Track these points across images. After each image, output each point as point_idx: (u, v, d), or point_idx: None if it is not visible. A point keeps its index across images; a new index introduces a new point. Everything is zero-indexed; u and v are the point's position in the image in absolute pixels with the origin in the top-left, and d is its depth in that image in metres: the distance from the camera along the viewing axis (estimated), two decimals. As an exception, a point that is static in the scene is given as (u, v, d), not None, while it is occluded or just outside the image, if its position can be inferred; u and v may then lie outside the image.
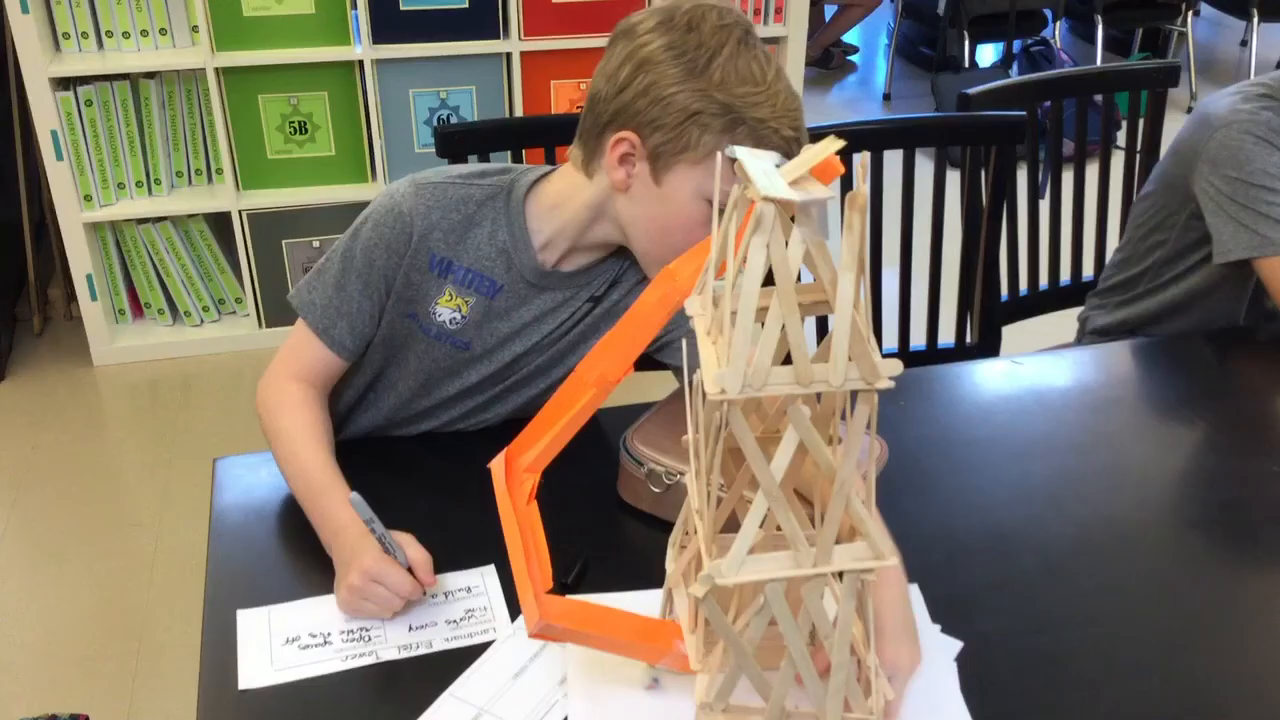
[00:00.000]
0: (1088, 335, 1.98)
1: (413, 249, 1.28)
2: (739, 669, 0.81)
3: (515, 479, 0.92)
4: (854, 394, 0.77)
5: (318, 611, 1.11)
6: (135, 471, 2.68)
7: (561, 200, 1.28)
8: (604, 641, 0.91)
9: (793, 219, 0.76)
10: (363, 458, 1.34)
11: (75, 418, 2.83)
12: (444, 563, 1.14)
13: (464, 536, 1.18)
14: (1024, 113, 1.87)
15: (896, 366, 0.76)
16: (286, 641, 1.08)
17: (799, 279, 0.79)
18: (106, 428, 2.85)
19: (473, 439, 1.40)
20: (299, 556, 1.18)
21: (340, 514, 1.14)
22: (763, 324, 0.75)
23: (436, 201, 1.28)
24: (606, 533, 1.24)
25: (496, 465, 0.93)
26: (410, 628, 1.09)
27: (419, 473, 1.34)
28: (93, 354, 2.99)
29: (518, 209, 1.29)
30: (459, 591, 1.14)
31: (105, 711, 2.04)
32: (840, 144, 0.78)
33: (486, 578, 1.15)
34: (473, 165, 1.39)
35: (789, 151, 1.13)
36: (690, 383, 0.87)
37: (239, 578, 1.17)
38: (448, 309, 1.31)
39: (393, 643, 1.08)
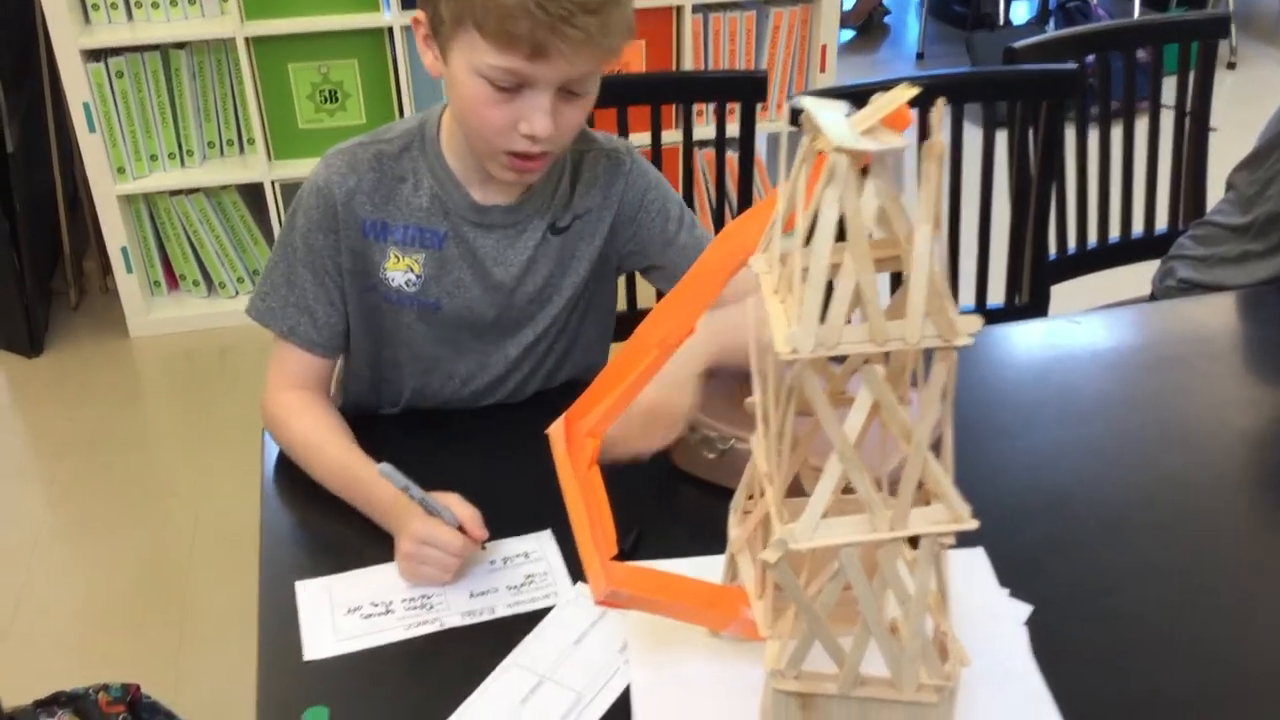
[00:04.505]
0: (1163, 289, 1.92)
1: (341, 220, 1.24)
2: (813, 636, 0.79)
3: (575, 444, 0.90)
4: (928, 353, 0.74)
5: (379, 580, 1.10)
6: (172, 443, 2.68)
7: (452, 123, 1.25)
8: (670, 608, 0.89)
9: (865, 171, 0.73)
10: (411, 428, 1.33)
11: (112, 390, 2.83)
12: (501, 529, 1.13)
13: (520, 502, 1.16)
14: (1075, 66, 1.82)
15: (976, 323, 0.73)
16: (349, 611, 1.07)
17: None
18: (143, 400, 2.85)
19: (523, 405, 1.38)
20: (355, 526, 1.16)
21: (380, 494, 1.13)
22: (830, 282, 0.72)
23: (349, 166, 1.25)
24: (660, 500, 1.22)
25: (555, 430, 0.91)
26: (471, 594, 1.08)
27: (469, 440, 1.32)
28: (129, 326, 2.99)
29: (434, 150, 1.26)
30: (517, 557, 1.12)
31: (153, 680, 2.03)
32: (914, 91, 0.75)
33: (544, 543, 1.14)
34: (386, 124, 1.33)
35: (536, 36, 1.07)
36: (756, 344, 0.84)
37: (294, 548, 1.16)
38: (398, 272, 1.28)
39: (455, 609, 1.07)
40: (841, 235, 0.74)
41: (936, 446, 0.78)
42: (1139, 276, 2.05)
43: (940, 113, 0.72)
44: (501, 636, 1.03)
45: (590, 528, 0.86)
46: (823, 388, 0.76)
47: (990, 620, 1.01)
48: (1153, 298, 1.97)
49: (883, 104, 0.75)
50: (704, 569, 1.05)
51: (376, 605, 1.07)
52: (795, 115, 1.72)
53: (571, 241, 1.32)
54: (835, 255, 0.73)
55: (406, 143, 1.26)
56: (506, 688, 0.98)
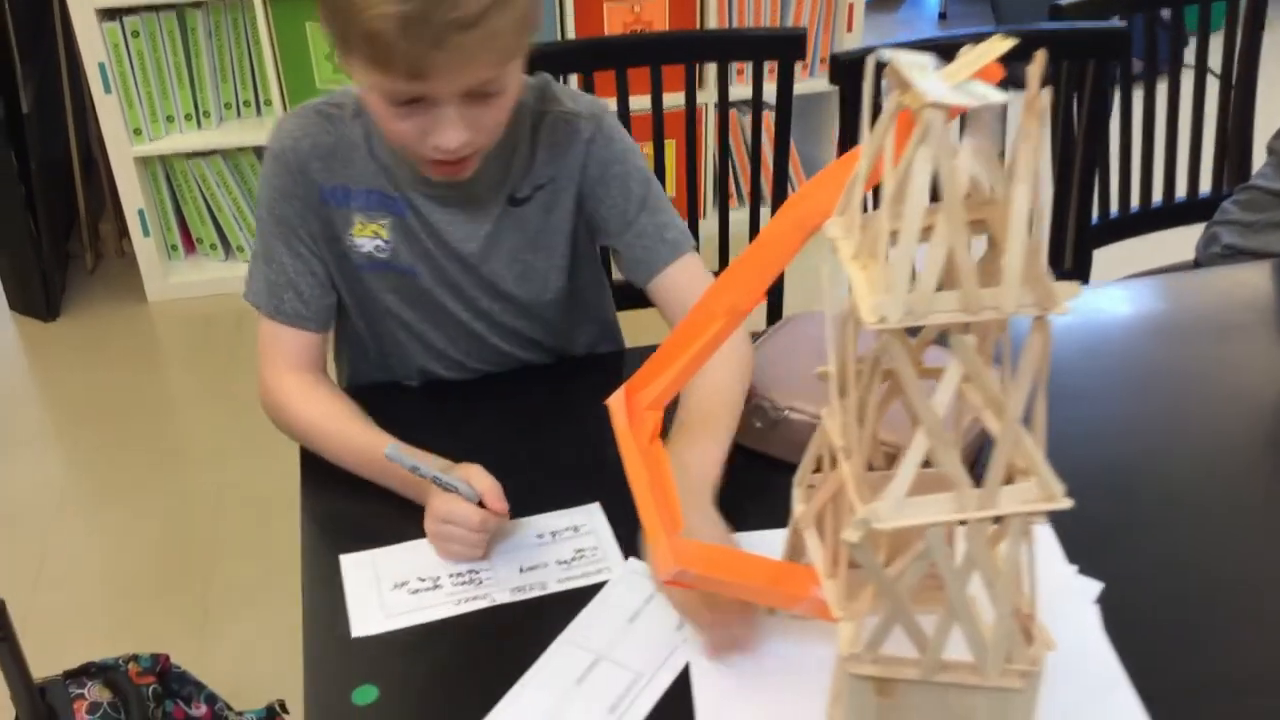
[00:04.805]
0: (1207, 255, 1.87)
1: (302, 185, 1.19)
2: (893, 618, 0.75)
3: (637, 417, 0.86)
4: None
5: (424, 554, 1.07)
6: (192, 407, 2.65)
7: None
8: (738, 588, 0.85)
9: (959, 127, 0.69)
10: (445, 400, 1.29)
11: (131, 355, 2.80)
12: (547, 502, 1.10)
13: (564, 475, 1.14)
14: (1124, 23, 1.76)
15: (1074, 289, 0.69)
16: (395, 586, 1.04)
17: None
18: (162, 365, 2.82)
19: (562, 369, 1.34)
20: (395, 499, 1.12)
21: (405, 471, 1.09)
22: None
23: (302, 130, 1.19)
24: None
25: (615, 402, 0.88)
26: (521, 569, 1.05)
27: (509, 411, 1.28)
28: (146, 290, 2.95)
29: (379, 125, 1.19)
30: (565, 531, 1.09)
31: (178, 649, 2.01)
32: (1010, 43, 0.70)
33: (593, 516, 1.10)
34: (343, 87, 1.24)
35: (412, 60, 0.99)
36: (831, 312, 0.80)
37: (336, 521, 1.12)
38: (366, 238, 1.22)
39: (505, 585, 1.04)
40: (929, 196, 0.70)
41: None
42: (1182, 241, 2.00)
43: (1041, 66, 0.67)
44: (554, 613, 1.00)
45: (655, 504, 0.82)
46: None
47: (1060, 598, 0.98)
48: (1197, 264, 1.92)
49: (974, 57, 0.70)
50: (755, 543, 1.02)
51: (424, 580, 1.04)
52: (836, 74, 1.67)
53: (536, 214, 1.23)
54: (926, 218, 0.68)
55: (358, 109, 1.19)
56: (561, 666, 0.95)
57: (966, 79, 0.69)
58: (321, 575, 1.05)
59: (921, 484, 0.74)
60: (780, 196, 1.82)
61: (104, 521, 2.32)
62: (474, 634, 0.99)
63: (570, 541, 1.08)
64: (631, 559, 1.05)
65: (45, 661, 1.48)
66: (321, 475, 1.17)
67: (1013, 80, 0.71)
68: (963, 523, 0.73)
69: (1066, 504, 0.73)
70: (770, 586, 0.85)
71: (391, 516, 1.11)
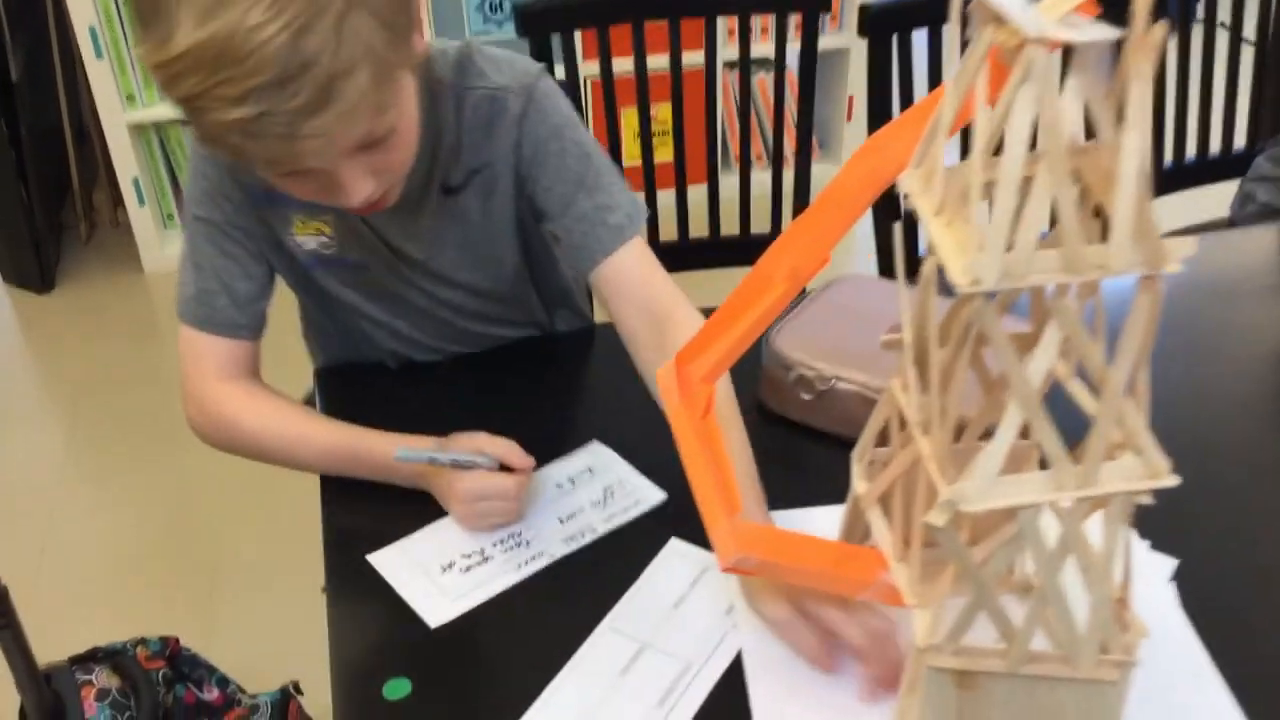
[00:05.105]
0: (1243, 214, 1.80)
1: (234, 184, 1.08)
2: (978, 607, 0.69)
3: (688, 391, 0.79)
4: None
5: (453, 530, 1.03)
6: (195, 382, 2.58)
7: None
8: (800, 574, 0.79)
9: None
10: (421, 382, 1.24)
11: (128, 326, 2.73)
12: (545, 455, 1.08)
13: (552, 424, 1.13)
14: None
15: (1188, 245, 0.62)
16: (444, 569, 0.99)
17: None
18: (161, 336, 2.75)
19: (538, 345, 1.29)
20: (396, 488, 1.07)
21: (380, 459, 1.04)
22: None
23: None
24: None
25: (665, 375, 0.81)
26: (560, 520, 1.03)
27: (488, 386, 1.23)
28: (143, 260, 2.88)
29: None
30: (582, 474, 1.08)
31: (186, 628, 1.96)
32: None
33: (599, 454, 1.10)
34: None
35: (269, 157, 0.87)
36: (908, 273, 0.74)
37: (351, 518, 1.06)
38: (309, 236, 1.12)
39: (553, 539, 1.01)
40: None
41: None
42: (1209, 200, 1.94)
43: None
44: (614, 554, 0.99)
45: (713, 485, 0.76)
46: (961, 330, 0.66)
47: (1135, 577, 0.92)
48: (1231, 223, 1.85)
49: (1070, -10, 0.63)
50: (798, 523, 0.96)
51: (470, 556, 1.00)
52: (865, 25, 1.60)
53: (474, 201, 1.11)
54: (993, 171, 0.62)
55: None
56: (604, 656, 0.89)
57: (1066, 13, 0.63)
58: (348, 574, 0.99)
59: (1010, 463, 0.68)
60: (805, 157, 1.75)
61: (107, 499, 2.26)
62: (507, 620, 0.94)
63: (592, 483, 1.07)
64: (674, 539, 0.99)
65: (51, 645, 1.42)
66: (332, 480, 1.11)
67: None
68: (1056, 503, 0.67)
69: (1173, 481, 0.67)
70: (834, 571, 0.79)
71: (404, 504, 1.05)
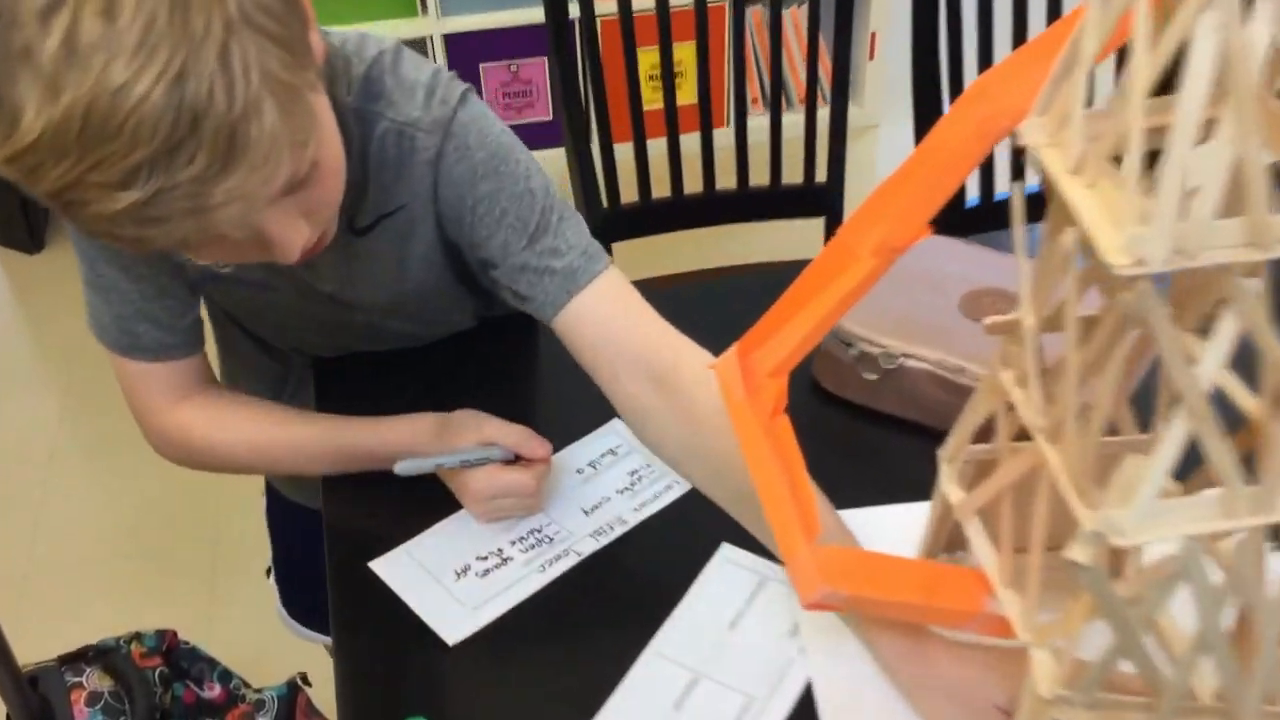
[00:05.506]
0: None
1: None
2: (1122, 653, 0.57)
3: (755, 386, 0.66)
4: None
5: (463, 528, 0.91)
6: (193, 346, 2.46)
7: None
8: (896, 607, 0.66)
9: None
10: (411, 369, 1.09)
11: (123, 289, 2.60)
12: (561, 438, 0.97)
13: (565, 403, 1.00)
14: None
15: None
16: (458, 575, 0.87)
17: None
18: (157, 298, 2.62)
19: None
20: (400, 483, 0.92)
21: (393, 444, 0.92)
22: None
23: None
24: (802, 430, 0.99)
25: (725, 366, 0.68)
26: (584, 511, 0.92)
27: (485, 365, 1.09)
28: (135, 218, 2.75)
29: None
30: (604, 458, 0.97)
31: (185, 611, 1.87)
32: None
33: (621, 433, 0.98)
34: None
35: (138, 236, 0.66)
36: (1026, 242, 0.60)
37: (352, 523, 0.93)
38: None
39: (580, 533, 0.90)
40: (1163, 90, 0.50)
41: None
42: None
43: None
44: (646, 549, 0.88)
45: (789, 502, 0.63)
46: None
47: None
48: None
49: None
50: (859, 525, 0.81)
51: (485, 558, 0.88)
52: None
53: (388, 243, 0.92)
54: (1102, 120, 0.48)
55: None
56: (652, 688, 0.77)
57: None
58: (353, 588, 0.87)
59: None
60: (813, 100, 1.60)
61: (102, 471, 2.15)
62: (571, 602, 0.84)
63: (616, 467, 0.96)
64: (725, 545, 0.87)
65: (45, 628, 1.32)
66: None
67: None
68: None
69: (1374, 507, 0.54)
70: (930, 602, 0.66)
71: (405, 502, 0.93)
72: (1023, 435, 0.66)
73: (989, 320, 0.65)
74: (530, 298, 0.88)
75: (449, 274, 0.99)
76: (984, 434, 0.70)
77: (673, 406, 0.83)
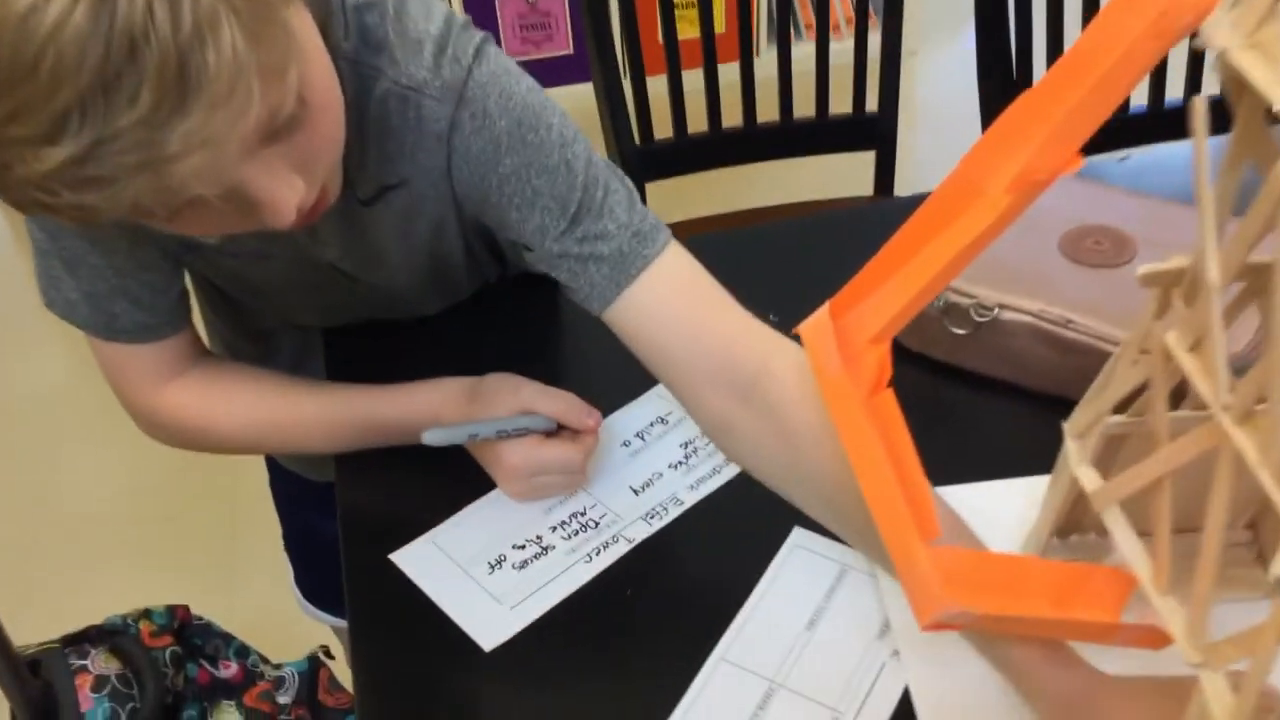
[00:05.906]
0: None
1: None
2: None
3: (852, 354, 0.55)
4: None
5: (496, 512, 0.80)
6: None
7: None
8: (1031, 624, 0.55)
9: None
10: (415, 332, 0.97)
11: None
12: (607, 405, 0.86)
13: (606, 368, 0.85)
14: None
15: None
16: (492, 568, 0.76)
17: None
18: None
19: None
20: (423, 462, 0.82)
21: (417, 415, 0.81)
22: None
23: None
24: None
25: (814, 331, 0.56)
26: (634, 490, 0.81)
27: (508, 324, 0.97)
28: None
29: None
30: (654, 427, 0.87)
31: (203, 575, 1.79)
32: None
33: (667, 398, 0.85)
34: None
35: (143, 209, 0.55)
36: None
37: (366, 512, 0.82)
38: None
39: (630, 516, 0.80)
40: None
41: None
42: None
43: None
44: (707, 535, 0.77)
45: (899, 497, 0.51)
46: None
47: None
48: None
49: None
50: (956, 505, 0.69)
51: (522, 547, 0.78)
52: None
53: (393, 217, 0.81)
54: None
55: None
56: (721, 702, 0.66)
57: None
58: (368, 584, 0.76)
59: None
60: (863, 26, 1.47)
61: (116, 430, 2.06)
62: (623, 600, 0.73)
63: (667, 438, 0.86)
64: (798, 529, 0.76)
65: (52, 599, 1.24)
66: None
67: None
68: None
69: None
70: (1066, 615, 0.54)
71: (427, 489, 0.82)
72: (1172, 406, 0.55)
73: (1144, 270, 0.53)
74: (574, 289, 0.75)
75: (472, 249, 0.88)
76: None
77: (764, 422, 0.69)
